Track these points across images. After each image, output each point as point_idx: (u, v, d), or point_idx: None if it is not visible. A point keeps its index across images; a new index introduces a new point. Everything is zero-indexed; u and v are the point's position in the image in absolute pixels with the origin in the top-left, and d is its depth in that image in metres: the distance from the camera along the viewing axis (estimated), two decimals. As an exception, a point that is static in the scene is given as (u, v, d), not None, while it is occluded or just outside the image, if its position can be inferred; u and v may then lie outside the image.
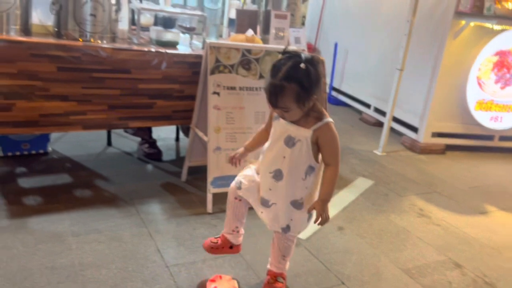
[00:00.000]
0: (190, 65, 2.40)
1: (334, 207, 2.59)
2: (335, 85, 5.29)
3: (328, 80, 5.07)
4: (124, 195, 2.42)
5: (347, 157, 3.50)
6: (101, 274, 1.76)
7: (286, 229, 1.65)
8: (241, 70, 2.33)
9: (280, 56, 1.49)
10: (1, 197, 2.26)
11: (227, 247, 1.79)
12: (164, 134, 3.47)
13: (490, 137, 4.01)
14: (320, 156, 1.58)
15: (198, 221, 2.25)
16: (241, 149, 1.78)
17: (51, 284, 1.67)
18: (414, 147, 3.89)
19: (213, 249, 1.79)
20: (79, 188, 2.45)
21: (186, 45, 2.65)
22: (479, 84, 3.72)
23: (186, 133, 3.13)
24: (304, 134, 1.53)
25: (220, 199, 2.45)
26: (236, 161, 1.76)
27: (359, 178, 3.11)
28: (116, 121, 2.32)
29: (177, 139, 3.43)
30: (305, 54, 1.46)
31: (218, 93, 2.29)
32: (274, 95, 1.45)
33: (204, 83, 2.36)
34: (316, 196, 1.62)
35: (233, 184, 1.74)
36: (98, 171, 2.70)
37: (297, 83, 1.42)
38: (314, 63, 1.45)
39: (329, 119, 1.54)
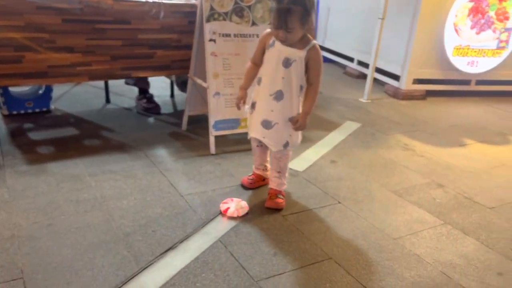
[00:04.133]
0: (186, 14, 2.53)
1: (325, 146, 2.80)
2: (319, 41, 5.39)
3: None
4: (131, 142, 2.57)
5: (334, 105, 3.70)
6: (123, 204, 1.93)
7: (286, 145, 1.94)
8: (235, 18, 2.47)
9: None
10: (16, 148, 2.39)
11: (260, 180, 2.18)
12: (158, 91, 3.60)
13: (467, 82, 4.25)
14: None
15: (204, 160, 2.43)
16: (240, 92, 1.99)
17: (79, 212, 1.84)
18: (396, 94, 4.11)
19: (251, 183, 2.15)
20: (87, 138, 2.60)
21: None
22: (456, 31, 3.92)
23: (181, 87, 3.26)
24: (299, 54, 1.80)
25: (222, 142, 2.64)
26: (241, 103, 1.99)
27: (347, 121, 3.31)
28: (119, 71, 2.45)
29: (172, 95, 3.57)
30: None
31: (214, 40, 2.43)
32: (284, 18, 1.69)
33: (200, 32, 2.49)
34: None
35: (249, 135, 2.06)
36: (102, 124, 2.84)
37: (301, 6, 1.68)
38: None
39: (315, 41, 1.83)
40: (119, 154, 2.42)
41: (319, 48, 1.82)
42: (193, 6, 2.51)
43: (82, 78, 2.35)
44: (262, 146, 2.07)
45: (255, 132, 1.98)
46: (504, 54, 4.16)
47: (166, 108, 3.26)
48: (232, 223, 1.85)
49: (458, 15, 3.87)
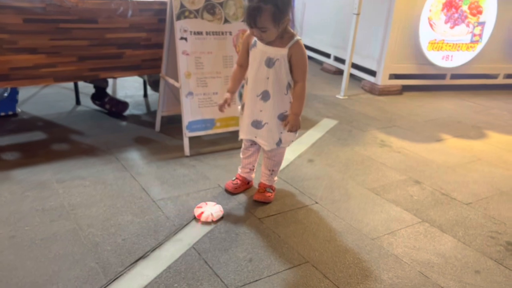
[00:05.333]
0: (155, 12, 2.44)
1: (302, 144, 2.76)
2: (295, 38, 5.38)
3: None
4: (101, 146, 2.48)
5: (311, 102, 3.66)
6: (92, 211, 1.85)
7: (279, 142, 1.91)
8: (206, 15, 2.40)
9: None
10: (-22, 155, 2.28)
11: (245, 184, 2.11)
12: (131, 92, 3.51)
13: (442, 76, 4.28)
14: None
15: (178, 163, 2.36)
16: (227, 95, 1.93)
17: (44, 223, 1.75)
18: (373, 90, 4.10)
19: (236, 188, 2.08)
20: (56, 143, 2.49)
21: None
22: (431, 25, 3.93)
23: (154, 87, 3.17)
24: (281, 52, 1.75)
25: (197, 143, 2.57)
26: (225, 105, 1.92)
27: (324, 119, 3.28)
28: (87, 72, 2.35)
29: (145, 95, 3.48)
30: None
31: (185, 39, 2.35)
32: (253, 17, 1.63)
33: (170, 30, 2.41)
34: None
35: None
36: (71, 127, 2.73)
37: (272, 4, 1.62)
38: None
39: (299, 37, 1.76)
40: (89, 158, 2.33)
41: (302, 44, 1.76)
42: (163, 3, 2.43)
43: (47, 80, 2.25)
44: (256, 145, 2.02)
45: (246, 133, 1.96)
46: (478, 48, 4.19)
47: (139, 109, 3.18)
48: (207, 229, 1.79)
49: (432, 10, 3.87)
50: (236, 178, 2.12)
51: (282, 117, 1.86)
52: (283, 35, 1.74)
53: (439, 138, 3.07)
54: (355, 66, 4.16)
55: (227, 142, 2.65)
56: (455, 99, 4.13)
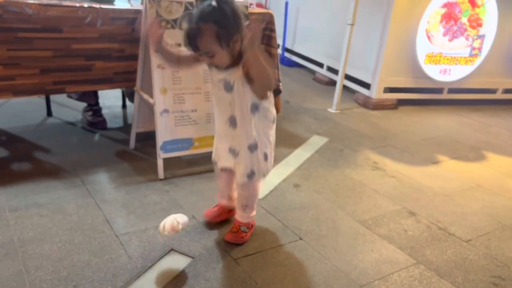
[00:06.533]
0: (129, 21, 2.22)
1: (289, 166, 2.55)
2: (288, 45, 5.19)
3: (280, 42, 4.97)
4: (67, 166, 2.26)
5: (301, 116, 3.46)
6: (44, 249, 1.63)
7: (251, 174, 1.66)
8: (185, 25, 2.18)
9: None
10: None
11: (226, 212, 1.89)
12: (109, 102, 3.28)
13: (439, 90, 4.09)
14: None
15: (149, 187, 2.14)
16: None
17: (-13, 263, 1.53)
18: (367, 104, 3.90)
19: (216, 216, 1.87)
20: (16, 161, 2.27)
21: (124, 0, 2.46)
22: (428, 37, 3.74)
23: (131, 99, 2.95)
24: (237, 73, 1.51)
25: (172, 164, 2.35)
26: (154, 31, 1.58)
27: (314, 136, 3.07)
28: (51, 86, 2.13)
29: (124, 106, 3.25)
30: None
31: (161, 51, 2.13)
32: (193, 39, 1.41)
33: (145, 41, 2.19)
34: (264, 138, 1.64)
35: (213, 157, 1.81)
36: (38, 143, 2.50)
37: (213, 22, 1.38)
38: (228, 1, 1.41)
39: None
40: (51, 181, 2.10)
41: (255, 51, 1.43)
42: (137, 11, 2.21)
43: (4, 94, 2.03)
44: (229, 173, 1.77)
45: (224, 160, 1.73)
46: (477, 61, 4.01)
47: (115, 122, 2.95)
48: (173, 273, 1.57)
49: (431, 22, 3.68)
50: (216, 205, 1.90)
51: (253, 148, 1.63)
52: (238, 59, 1.50)
53: (436, 160, 2.87)
54: (348, 77, 3.96)
55: (207, 162, 2.41)
56: (452, 115, 3.94)
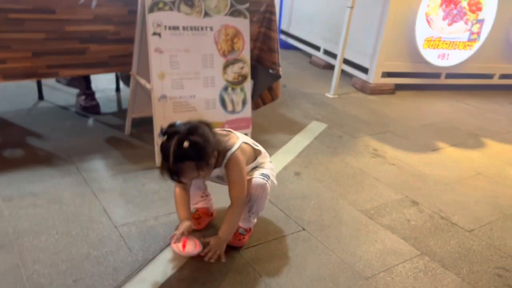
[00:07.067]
0: (125, 2, 2.13)
1: (289, 153, 2.50)
2: (283, 27, 5.09)
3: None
4: (61, 153, 2.19)
5: (299, 101, 3.40)
6: (41, 241, 1.57)
7: (266, 175, 1.64)
8: (184, 7, 2.10)
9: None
10: None
11: (208, 216, 1.79)
12: (103, 85, 3.19)
13: (437, 75, 4.05)
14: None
15: (147, 175, 2.08)
16: (184, 224, 1.54)
17: (-19, 257, 1.47)
18: (364, 88, 3.85)
19: (199, 223, 1.75)
20: (8, 148, 2.19)
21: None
22: (428, 21, 3.67)
23: (127, 82, 2.87)
24: (222, 171, 1.55)
25: (170, 151, 2.29)
26: (179, 241, 1.52)
27: (313, 122, 3.03)
28: (44, 69, 2.04)
29: (118, 89, 3.17)
30: (183, 126, 1.40)
31: (159, 34, 2.05)
32: (177, 176, 1.43)
33: (142, 23, 2.10)
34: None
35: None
36: (30, 128, 2.42)
37: (189, 160, 1.39)
38: (195, 131, 1.39)
39: (233, 149, 1.51)
40: (45, 169, 2.03)
41: (236, 157, 1.51)
42: (134, -8, 2.12)
43: (-6, 78, 1.94)
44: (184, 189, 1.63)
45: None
46: (475, 46, 3.97)
47: (109, 106, 2.87)
48: (175, 266, 1.53)
49: (431, 5, 3.61)
50: (197, 211, 1.77)
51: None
52: (218, 159, 1.50)
53: (435, 147, 2.84)
54: (346, 61, 3.89)
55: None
56: (450, 100, 3.91)
